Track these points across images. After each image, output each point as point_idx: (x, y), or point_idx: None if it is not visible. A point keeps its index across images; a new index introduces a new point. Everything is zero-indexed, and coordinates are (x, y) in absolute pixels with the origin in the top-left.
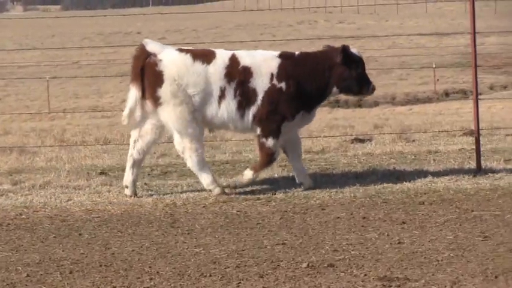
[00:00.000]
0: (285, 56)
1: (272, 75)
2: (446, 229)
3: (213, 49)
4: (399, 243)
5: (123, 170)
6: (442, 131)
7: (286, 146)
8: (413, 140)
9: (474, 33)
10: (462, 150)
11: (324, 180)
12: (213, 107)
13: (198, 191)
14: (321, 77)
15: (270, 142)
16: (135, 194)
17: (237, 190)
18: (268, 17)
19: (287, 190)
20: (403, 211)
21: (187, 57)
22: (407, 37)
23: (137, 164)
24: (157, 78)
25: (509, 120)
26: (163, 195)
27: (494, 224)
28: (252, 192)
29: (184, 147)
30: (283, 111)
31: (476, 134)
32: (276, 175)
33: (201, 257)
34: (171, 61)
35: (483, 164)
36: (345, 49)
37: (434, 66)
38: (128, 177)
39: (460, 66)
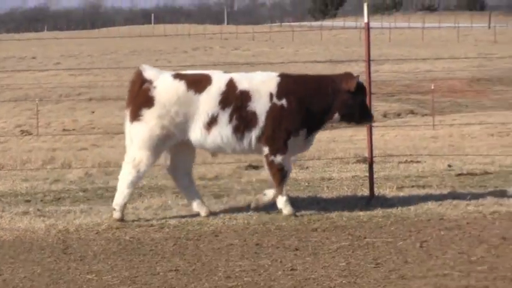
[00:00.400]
0: (285, 76)
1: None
2: (339, 256)
3: (210, 73)
4: (292, 269)
5: (16, 195)
6: (336, 158)
7: None
8: (307, 167)
9: (369, 60)
10: (355, 177)
11: (217, 206)
12: (206, 132)
13: (91, 216)
14: (324, 101)
15: (278, 158)
16: (122, 218)
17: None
18: (164, 43)
19: (180, 217)
20: (296, 238)
21: (181, 84)
22: (302, 64)
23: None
24: (148, 102)
25: (402, 147)
26: (56, 221)
27: (386, 251)
28: (145, 219)
29: (129, 162)
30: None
31: (370, 161)
32: (169, 201)
33: (94, 283)
34: (164, 88)
35: (376, 191)
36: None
37: None
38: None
39: None
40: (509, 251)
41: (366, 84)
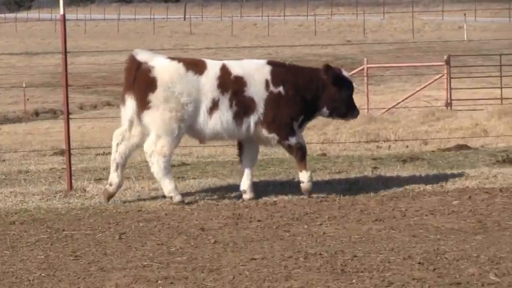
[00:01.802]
0: (275, 64)
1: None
2: (38, 249)
3: (204, 59)
4: None
5: None
6: (33, 151)
7: (245, 152)
8: (4, 160)
9: (65, 52)
10: (53, 169)
11: None
12: (206, 116)
13: None
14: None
15: (292, 140)
16: (114, 194)
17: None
18: None
19: None
20: None
21: (180, 65)
22: None
23: (120, 167)
24: (151, 85)
25: (99, 139)
26: None
27: (85, 243)
28: None
29: (154, 151)
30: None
31: (67, 153)
32: None
33: None
34: (164, 68)
35: (74, 183)
36: (329, 68)
37: (24, 85)
38: (114, 178)
39: (50, 85)
40: (208, 241)
41: (63, 76)
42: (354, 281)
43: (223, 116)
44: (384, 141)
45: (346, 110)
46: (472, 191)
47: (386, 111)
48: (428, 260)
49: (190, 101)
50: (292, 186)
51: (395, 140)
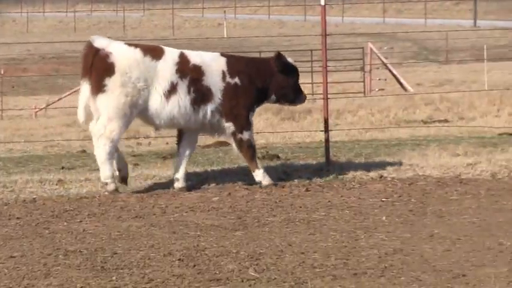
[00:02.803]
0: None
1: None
2: None
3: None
4: None
5: None
6: None
7: (183, 141)
8: None
9: None
10: None
11: None
12: (161, 102)
13: None
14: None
15: (245, 135)
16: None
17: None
18: None
19: None
20: None
21: (137, 51)
22: None
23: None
24: (108, 70)
25: None
26: None
27: None
28: None
29: (102, 134)
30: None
31: None
32: None
33: None
34: (121, 54)
35: None
36: (279, 57)
37: None
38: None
39: None
40: None
41: None
42: (114, 278)
43: (181, 102)
44: (144, 137)
45: (294, 95)
46: (232, 188)
47: None
48: (188, 257)
49: (147, 86)
50: (51, 183)
51: (156, 137)
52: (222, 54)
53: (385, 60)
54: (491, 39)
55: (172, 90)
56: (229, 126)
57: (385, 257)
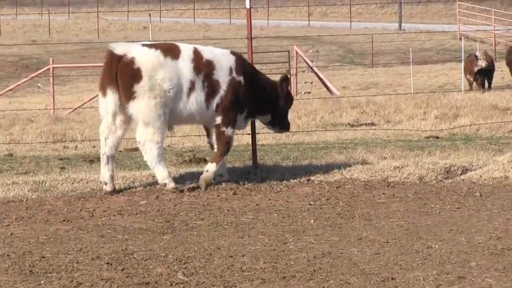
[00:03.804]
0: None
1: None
2: None
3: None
4: None
5: None
6: None
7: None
8: None
9: None
10: None
11: None
12: (187, 99)
13: None
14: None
15: (229, 131)
16: (114, 188)
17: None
18: None
19: None
20: None
21: (158, 52)
22: None
23: (111, 159)
24: (135, 75)
25: None
26: None
27: None
28: None
29: (146, 139)
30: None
31: None
32: None
33: None
34: (144, 57)
35: None
36: (286, 79)
37: None
38: (105, 174)
39: None
40: None
41: None
42: (42, 282)
43: (198, 98)
44: (71, 141)
45: (285, 122)
46: (160, 191)
47: (72, 111)
48: (116, 260)
49: (172, 86)
50: None
51: (82, 140)
52: (232, 52)
53: (310, 64)
54: (416, 42)
55: (191, 87)
56: (218, 118)
57: (314, 260)
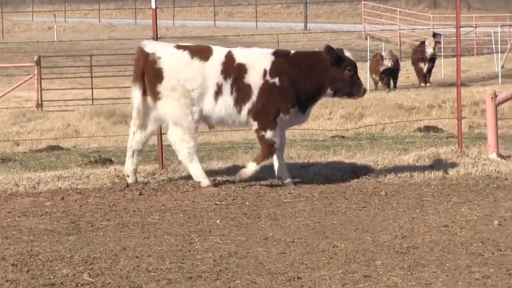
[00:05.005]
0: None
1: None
2: None
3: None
4: None
5: None
6: None
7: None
8: None
9: None
10: None
11: None
12: (214, 102)
13: None
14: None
15: (268, 134)
16: (136, 181)
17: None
18: None
19: None
20: None
21: (186, 53)
22: None
23: (136, 154)
24: (157, 75)
25: None
26: None
27: None
28: None
29: (176, 139)
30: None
31: None
32: None
33: None
34: (169, 58)
35: None
36: (330, 49)
37: None
38: (129, 167)
39: None
40: None
41: None
42: None
43: (227, 101)
44: None
45: (352, 87)
46: (65, 192)
47: None
48: (21, 262)
49: (196, 86)
50: None
51: None
52: (273, 53)
53: None
54: (322, 42)
55: (219, 89)
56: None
57: (220, 260)
